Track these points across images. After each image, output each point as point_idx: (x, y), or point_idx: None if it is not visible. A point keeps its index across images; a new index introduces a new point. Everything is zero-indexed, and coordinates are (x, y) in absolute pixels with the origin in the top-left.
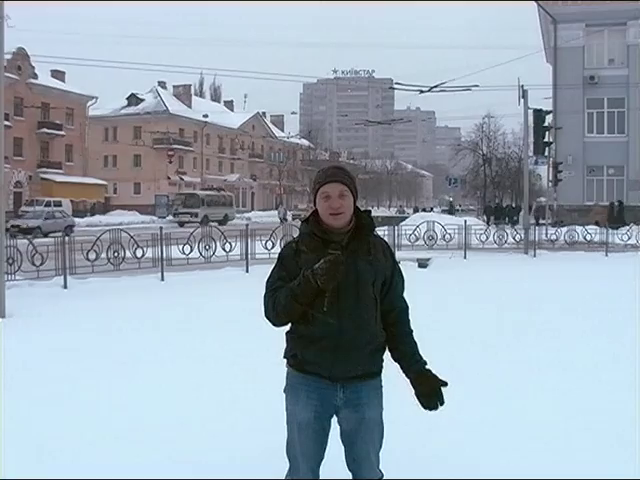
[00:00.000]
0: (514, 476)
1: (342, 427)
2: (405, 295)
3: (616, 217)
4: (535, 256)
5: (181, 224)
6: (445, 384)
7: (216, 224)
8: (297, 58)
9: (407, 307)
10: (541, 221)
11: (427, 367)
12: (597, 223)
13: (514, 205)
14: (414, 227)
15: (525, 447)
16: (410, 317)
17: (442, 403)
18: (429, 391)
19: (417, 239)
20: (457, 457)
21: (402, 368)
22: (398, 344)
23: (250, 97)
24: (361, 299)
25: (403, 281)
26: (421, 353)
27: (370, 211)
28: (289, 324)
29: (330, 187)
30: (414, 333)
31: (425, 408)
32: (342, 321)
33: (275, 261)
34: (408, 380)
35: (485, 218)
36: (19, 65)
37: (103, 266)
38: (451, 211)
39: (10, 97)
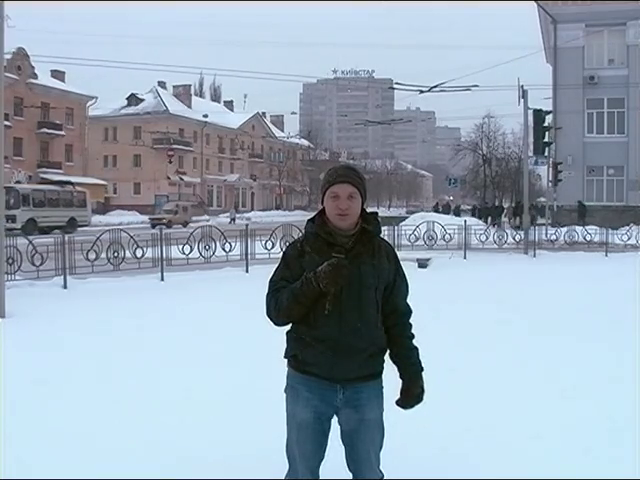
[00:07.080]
0: (514, 476)
1: (342, 427)
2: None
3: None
4: (535, 256)
5: None
6: (420, 399)
7: (59, 232)
8: (297, 58)
9: (409, 311)
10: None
11: (418, 375)
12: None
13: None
14: (414, 227)
15: (525, 447)
16: (412, 321)
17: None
18: (409, 394)
19: (417, 239)
20: (457, 457)
21: (398, 370)
22: (395, 346)
23: (250, 97)
24: (363, 302)
25: (407, 286)
26: (420, 357)
27: (377, 213)
28: (290, 324)
29: (339, 187)
30: (415, 338)
31: (398, 403)
32: (343, 323)
33: (279, 260)
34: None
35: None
36: (19, 65)
37: (103, 266)
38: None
39: (10, 97)
